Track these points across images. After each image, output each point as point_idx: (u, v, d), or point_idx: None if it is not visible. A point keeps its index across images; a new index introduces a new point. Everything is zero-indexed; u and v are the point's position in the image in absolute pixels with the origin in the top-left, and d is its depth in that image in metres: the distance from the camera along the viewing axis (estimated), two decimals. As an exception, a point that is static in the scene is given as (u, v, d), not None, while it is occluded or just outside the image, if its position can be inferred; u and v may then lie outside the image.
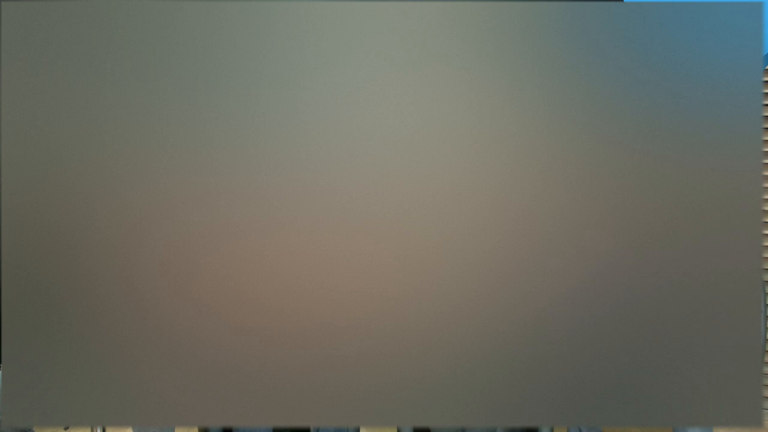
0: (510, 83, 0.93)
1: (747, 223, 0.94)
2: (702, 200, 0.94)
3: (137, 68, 0.94)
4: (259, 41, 0.93)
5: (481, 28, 0.93)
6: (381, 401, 0.94)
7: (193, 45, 0.93)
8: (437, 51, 0.93)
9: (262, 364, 0.94)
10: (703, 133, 0.94)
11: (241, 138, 0.94)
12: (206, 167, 0.94)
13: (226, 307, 0.94)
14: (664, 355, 0.94)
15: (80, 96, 0.94)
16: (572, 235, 0.94)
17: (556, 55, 0.93)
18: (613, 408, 0.95)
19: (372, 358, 0.94)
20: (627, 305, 0.94)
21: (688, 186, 0.94)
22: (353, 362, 0.94)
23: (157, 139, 0.94)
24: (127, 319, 0.94)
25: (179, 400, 0.95)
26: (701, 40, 0.94)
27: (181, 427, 1.45)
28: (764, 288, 1.56)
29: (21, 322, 0.94)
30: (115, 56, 0.94)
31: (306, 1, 0.93)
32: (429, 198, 0.93)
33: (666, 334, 0.94)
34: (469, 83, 0.93)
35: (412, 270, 0.94)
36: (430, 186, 0.93)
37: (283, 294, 0.94)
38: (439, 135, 0.93)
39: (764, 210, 2.15)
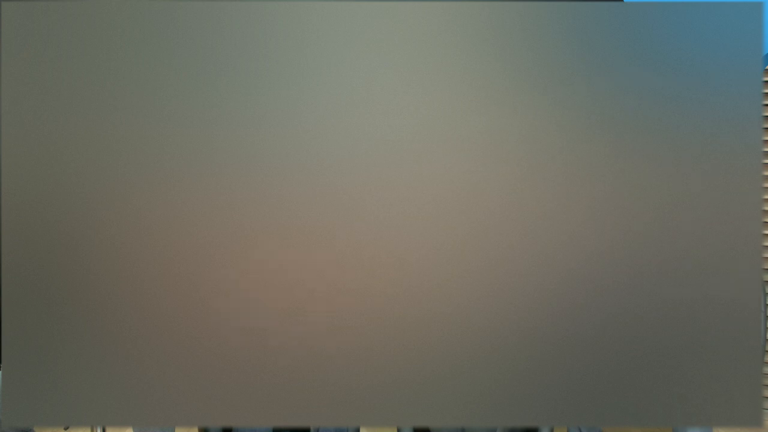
0: (510, 83, 0.93)
1: (747, 223, 0.94)
2: (702, 200, 0.94)
3: (137, 68, 0.94)
4: (259, 41, 0.93)
5: (482, 29, 0.93)
6: (381, 401, 0.94)
7: (193, 45, 0.93)
8: (438, 51, 0.93)
9: (262, 364, 0.94)
10: (703, 133, 0.94)
11: (244, 138, 0.94)
12: (207, 167, 0.94)
13: (226, 307, 0.94)
14: (664, 355, 0.94)
15: (80, 96, 0.94)
16: (572, 235, 0.94)
17: (557, 55, 0.93)
18: (613, 408, 0.95)
19: (372, 358, 0.94)
20: (627, 305, 0.94)
21: (688, 186, 0.94)
22: (353, 362, 0.94)
23: (158, 139, 0.94)
24: (127, 319, 0.94)
25: (179, 400, 0.95)
26: (701, 40, 0.94)
27: (181, 427, 1.45)
28: (764, 288, 1.56)
29: (21, 322, 0.94)
30: (115, 56, 0.94)
31: (306, 1, 0.93)
32: (430, 198, 0.93)
33: (666, 334, 0.94)
34: (470, 83, 0.93)
35: (413, 270, 0.94)
36: (432, 186, 0.93)
37: (283, 294, 0.94)
38: (440, 135, 0.93)
39: (764, 210, 2.15)
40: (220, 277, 0.94)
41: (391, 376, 0.94)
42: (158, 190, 0.94)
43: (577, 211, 0.94)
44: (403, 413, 0.95)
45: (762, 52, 0.94)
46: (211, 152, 0.94)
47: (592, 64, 0.93)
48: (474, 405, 0.95)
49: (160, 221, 0.94)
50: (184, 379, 0.94)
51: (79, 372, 0.95)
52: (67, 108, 0.94)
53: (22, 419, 0.95)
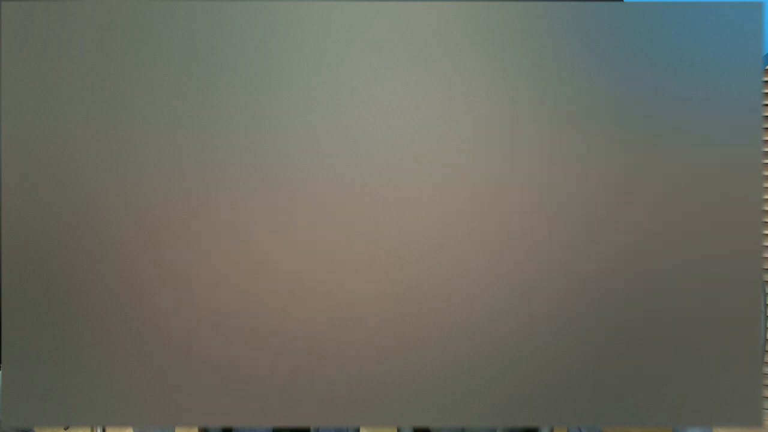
0: (510, 83, 0.93)
1: (747, 223, 0.94)
2: (702, 200, 0.94)
3: (137, 68, 0.94)
4: (259, 41, 0.93)
5: (482, 29, 0.93)
6: (381, 401, 0.94)
7: (193, 45, 0.93)
8: (438, 51, 0.93)
9: (262, 364, 0.94)
10: (703, 132, 0.94)
11: (244, 138, 0.94)
12: (207, 167, 0.94)
13: (227, 307, 0.94)
14: (665, 355, 0.94)
15: (80, 96, 0.94)
16: (572, 235, 0.94)
17: (557, 55, 0.93)
18: (613, 408, 0.95)
19: (372, 358, 0.94)
20: (627, 305, 0.94)
21: (688, 186, 0.94)
22: (353, 362, 0.94)
23: (158, 139, 0.94)
24: (127, 319, 0.94)
25: (179, 400, 0.95)
26: (701, 40, 0.94)
27: (181, 427, 1.45)
28: (764, 288, 1.56)
29: (21, 322, 0.94)
30: (115, 56, 0.94)
31: (306, 1, 0.93)
32: (430, 198, 0.93)
33: (666, 334, 0.94)
34: (470, 83, 0.93)
35: (413, 270, 0.94)
36: (431, 186, 0.93)
37: (283, 294, 0.94)
38: (440, 135, 0.93)
39: (764, 210, 2.15)
40: (219, 277, 0.94)
41: (391, 376, 0.94)
42: (158, 190, 0.94)
43: (577, 211, 0.94)
44: (403, 413, 0.95)
45: (762, 52, 0.94)
46: (211, 152, 0.94)
47: (592, 64, 0.93)
48: (474, 405, 0.95)
49: (160, 221, 0.94)
50: (184, 379, 0.94)
51: (79, 372, 0.95)
52: (67, 108, 0.94)
53: (22, 419, 0.95)
